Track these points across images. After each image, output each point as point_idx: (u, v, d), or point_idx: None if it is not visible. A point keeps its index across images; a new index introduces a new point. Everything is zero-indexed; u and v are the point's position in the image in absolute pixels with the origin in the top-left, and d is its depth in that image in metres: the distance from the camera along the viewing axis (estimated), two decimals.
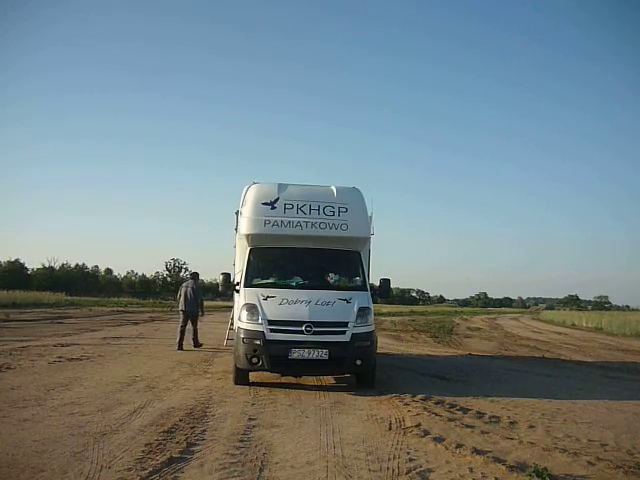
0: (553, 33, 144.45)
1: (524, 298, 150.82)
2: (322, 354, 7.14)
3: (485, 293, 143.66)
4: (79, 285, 68.48)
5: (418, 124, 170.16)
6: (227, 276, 8.50)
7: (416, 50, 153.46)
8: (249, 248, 8.27)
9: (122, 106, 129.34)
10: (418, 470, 4.27)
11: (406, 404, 6.66)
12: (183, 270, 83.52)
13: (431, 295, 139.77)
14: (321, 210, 8.15)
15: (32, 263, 78.86)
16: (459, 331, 24.58)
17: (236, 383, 7.65)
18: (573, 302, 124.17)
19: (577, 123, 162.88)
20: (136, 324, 21.06)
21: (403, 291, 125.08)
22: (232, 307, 9.68)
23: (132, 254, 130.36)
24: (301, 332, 7.17)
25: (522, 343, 18.31)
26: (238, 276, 8.49)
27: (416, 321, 32.73)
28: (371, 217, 8.58)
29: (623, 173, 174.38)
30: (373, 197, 9.03)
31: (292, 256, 8.42)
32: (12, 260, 70.42)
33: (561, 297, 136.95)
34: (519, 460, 4.58)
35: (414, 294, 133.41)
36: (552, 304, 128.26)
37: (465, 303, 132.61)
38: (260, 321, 7.27)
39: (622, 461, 4.64)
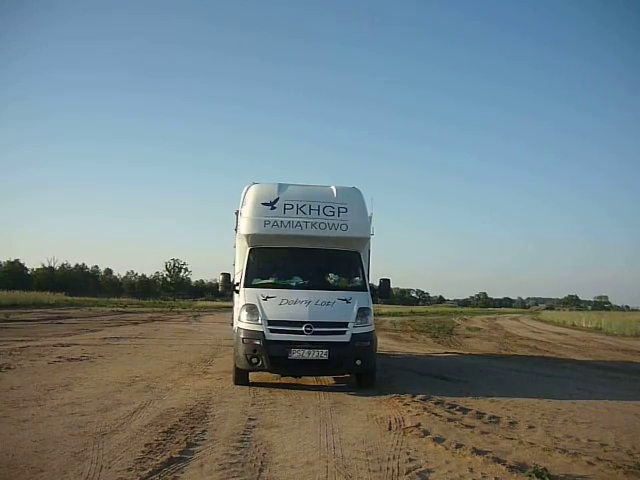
0: (553, 33, 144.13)
1: (524, 298, 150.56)
2: (322, 354, 7.14)
3: (485, 293, 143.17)
4: (79, 285, 68.50)
5: (418, 124, 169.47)
6: (227, 276, 8.49)
7: (416, 50, 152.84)
8: (249, 248, 8.26)
9: (122, 106, 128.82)
10: (418, 470, 4.27)
11: (406, 404, 6.66)
12: (183, 270, 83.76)
13: (431, 295, 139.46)
14: (321, 210, 8.14)
15: (32, 263, 79.02)
16: (459, 331, 24.58)
17: (236, 383, 7.65)
18: (573, 302, 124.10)
19: (577, 123, 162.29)
20: (136, 324, 21.06)
21: (403, 291, 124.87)
22: (232, 307, 9.68)
23: (132, 254, 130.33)
24: (301, 332, 7.17)
25: (522, 343, 18.31)
26: (238, 276, 8.48)
27: (416, 321, 32.72)
28: (371, 217, 8.59)
29: (623, 173, 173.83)
30: (373, 197, 9.01)
31: (292, 256, 8.42)
32: (12, 260, 70.68)
33: (561, 297, 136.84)
34: (519, 460, 4.58)
35: (414, 294, 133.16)
36: (552, 304, 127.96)
37: (465, 303, 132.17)
38: (260, 321, 7.27)
39: (622, 461, 4.64)
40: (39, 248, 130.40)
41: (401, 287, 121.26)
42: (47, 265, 74.56)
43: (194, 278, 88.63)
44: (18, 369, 8.57)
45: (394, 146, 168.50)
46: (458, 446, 4.89)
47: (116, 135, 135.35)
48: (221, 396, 6.92)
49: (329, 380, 8.42)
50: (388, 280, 8.68)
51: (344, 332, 7.33)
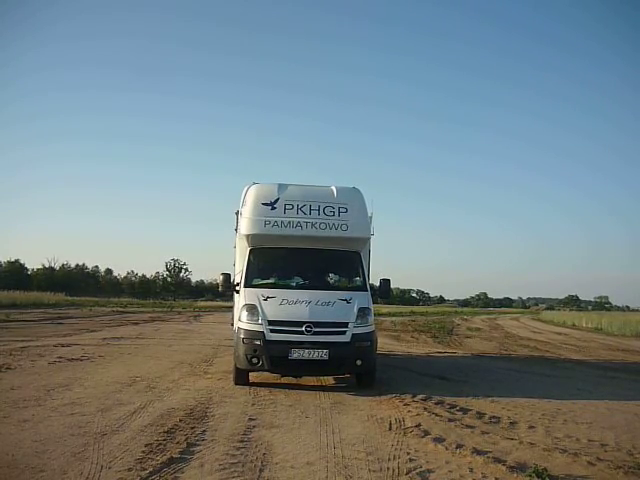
0: (553, 33, 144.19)
1: (524, 298, 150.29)
2: (322, 354, 7.14)
3: (485, 293, 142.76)
4: (79, 285, 68.53)
5: (418, 124, 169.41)
6: (227, 276, 8.48)
7: (416, 50, 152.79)
8: (249, 248, 8.26)
9: (122, 106, 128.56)
10: (418, 470, 4.27)
11: (406, 404, 6.67)
12: (183, 270, 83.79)
13: (431, 295, 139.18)
14: (321, 210, 8.14)
15: (32, 263, 79.12)
16: (459, 331, 24.57)
17: (236, 383, 7.65)
18: (573, 302, 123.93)
19: (577, 123, 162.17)
20: (136, 324, 21.06)
21: (403, 291, 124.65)
22: (232, 307, 9.68)
23: (132, 254, 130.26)
24: (301, 332, 7.17)
25: (522, 343, 18.32)
26: (238, 276, 8.49)
27: (416, 321, 32.69)
28: (371, 217, 8.59)
29: (623, 173, 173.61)
30: (373, 197, 9.02)
31: (292, 256, 8.42)
32: (12, 260, 70.65)
33: (561, 297, 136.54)
34: (519, 460, 4.58)
35: (414, 294, 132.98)
36: (552, 304, 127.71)
37: (465, 303, 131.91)
38: (260, 321, 7.27)
39: (622, 461, 4.65)
40: (39, 248, 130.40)
41: (401, 287, 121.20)
42: (47, 265, 74.68)
43: (194, 278, 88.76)
44: (18, 369, 8.58)
45: (394, 146, 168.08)
46: (458, 446, 4.89)
47: (116, 135, 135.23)
48: (221, 396, 6.92)
49: (329, 380, 8.42)
50: (388, 280, 8.68)
51: (344, 332, 7.33)
